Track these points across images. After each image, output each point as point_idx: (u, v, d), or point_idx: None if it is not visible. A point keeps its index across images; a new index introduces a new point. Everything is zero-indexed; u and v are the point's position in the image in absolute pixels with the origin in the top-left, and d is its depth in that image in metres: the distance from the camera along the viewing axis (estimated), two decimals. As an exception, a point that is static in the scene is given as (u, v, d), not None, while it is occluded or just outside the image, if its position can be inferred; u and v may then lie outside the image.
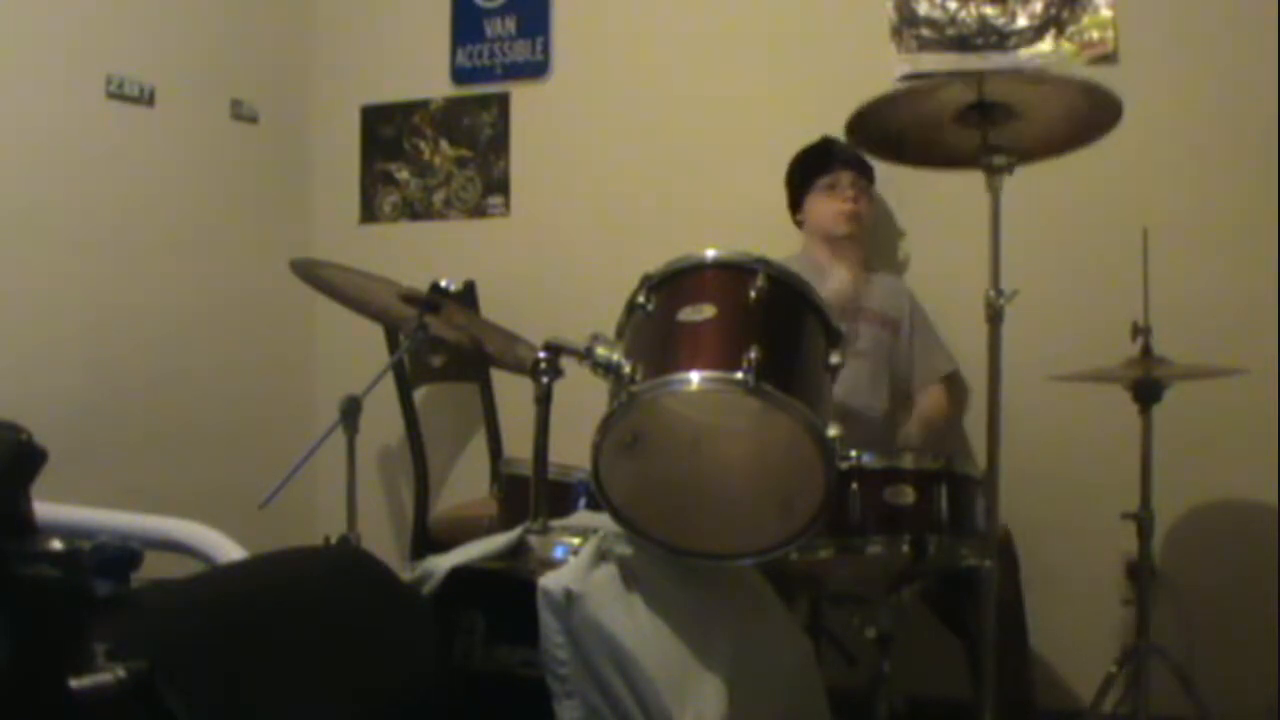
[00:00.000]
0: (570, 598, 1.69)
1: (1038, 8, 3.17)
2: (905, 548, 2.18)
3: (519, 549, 1.89)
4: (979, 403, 3.11)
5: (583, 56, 3.67)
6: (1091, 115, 2.18)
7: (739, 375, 1.72)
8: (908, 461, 2.28)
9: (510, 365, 2.70)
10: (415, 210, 3.87)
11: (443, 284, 3.43)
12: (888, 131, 2.30)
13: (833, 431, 1.77)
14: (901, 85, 2.98)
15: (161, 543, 2.13)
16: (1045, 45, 3.16)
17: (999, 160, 2.15)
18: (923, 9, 3.27)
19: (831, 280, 2.94)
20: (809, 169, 3.13)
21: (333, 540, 2.35)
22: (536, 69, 3.72)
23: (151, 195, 3.42)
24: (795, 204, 3.18)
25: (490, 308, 3.56)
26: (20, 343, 3.03)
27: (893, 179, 3.21)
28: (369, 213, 3.93)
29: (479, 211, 3.79)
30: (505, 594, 1.78)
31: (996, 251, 2.16)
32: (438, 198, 3.85)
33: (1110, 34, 3.10)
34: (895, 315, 3.10)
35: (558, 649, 1.69)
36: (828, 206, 3.08)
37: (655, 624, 1.75)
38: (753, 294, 1.86)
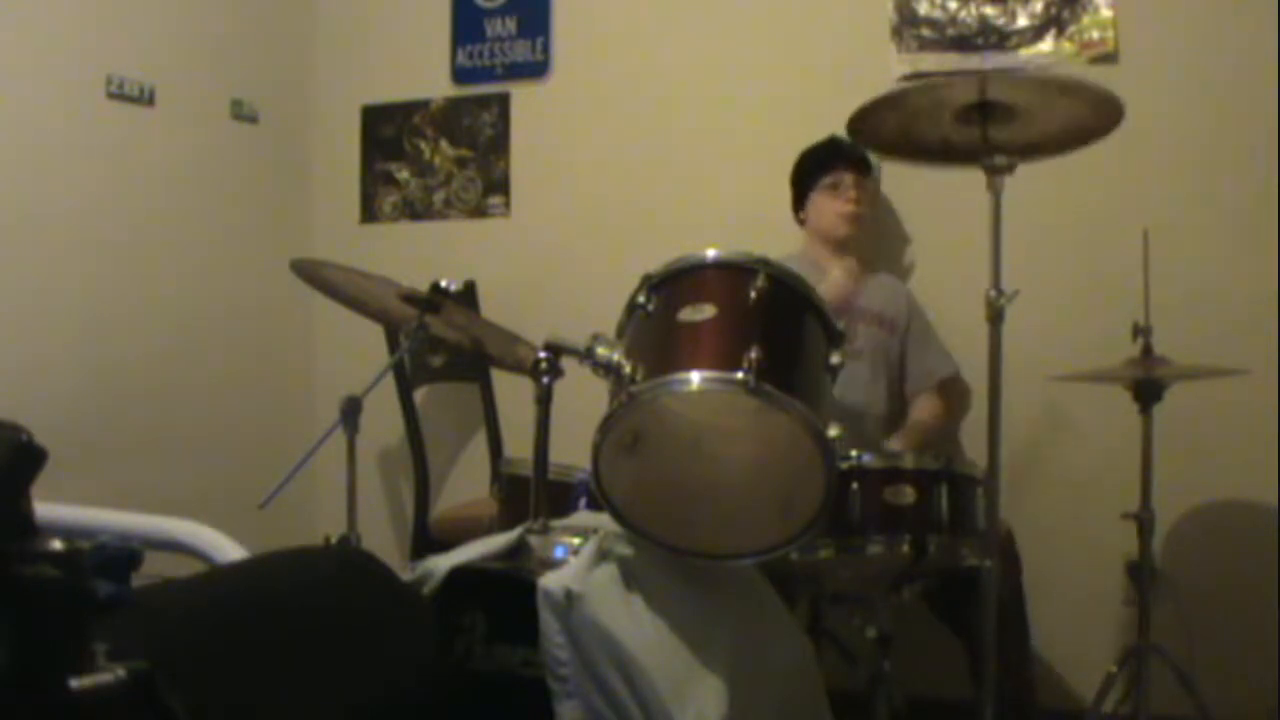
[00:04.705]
0: (570, 598, 1.69)
1: (1038, 8, 3.17)
2: (905, 548, 2.18)
3: (519, 549, 1.89)
4: (979, 403, 3.11)
5: (583, 56, 3.67)
6: (1093, 118, 2.19)
7: (739, 375, 1.72)
8: (908, 461, 2.29)
9: (510, 365, 2.70)
10: (415, 210, 3.87)
11: (443, 284, 3.43)
12: (890, 128, 2.30)
13: (833, 431, 1.77)
14: (902, 86, 2.97)
15: (161, 543, 2.14)
16: (1045, 45, 3.16)
17: (1000, 160, 2.15)
18: (923, 9, 3.27)
19: (826, 280, 2.94)
20: (813, 167, 3.13)
21: (333, 540, 2.35)
22: (536, 69, 3.72)
23: (151, 195, 3.41)
24: (798, 202, 3.18)
25: (490, 308, 3.56)
26: (20, 342, 3.03)
27: (895, 180, 3.21)
28: (369, 213, 3.93)
29: (479, 211, 3.79)
30: (505, 594, 1.78)
31: (997, 251, 2.16)
32: (438, 198, 3.84)
33: (1110, 34, 3.10)
34: (893, 316, 3.10)
35: (558, 649, 1.69)
36: (829, 206, 3.09)
37: (655, 624, 1.75)
38: (753, 294, 1.86)
